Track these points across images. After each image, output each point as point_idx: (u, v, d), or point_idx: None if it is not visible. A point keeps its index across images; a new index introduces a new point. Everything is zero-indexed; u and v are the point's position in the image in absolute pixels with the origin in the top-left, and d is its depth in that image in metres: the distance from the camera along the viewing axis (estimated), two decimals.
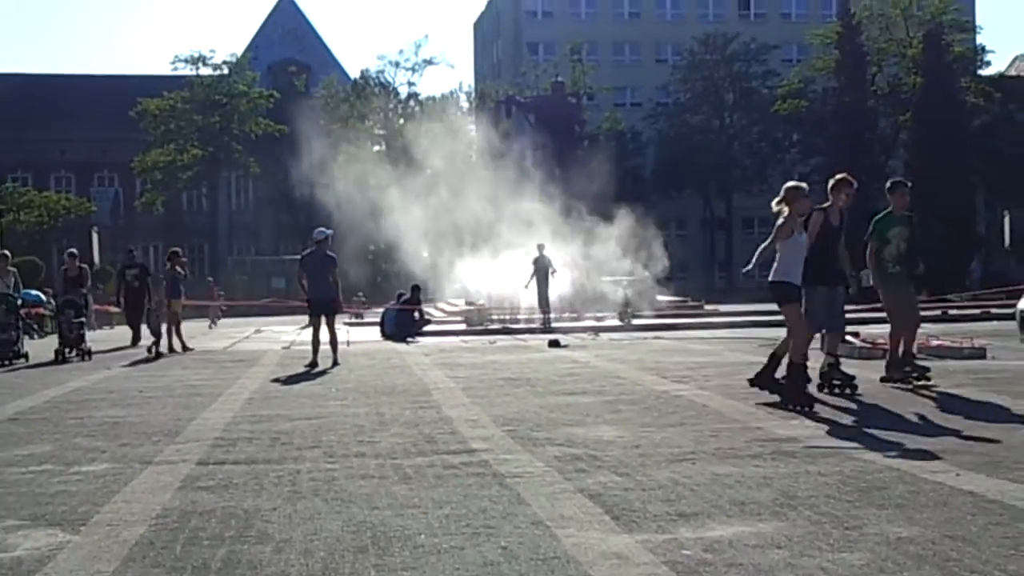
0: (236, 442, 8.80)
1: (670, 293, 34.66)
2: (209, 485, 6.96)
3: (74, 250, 22.31)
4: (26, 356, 18.61)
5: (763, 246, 10.70)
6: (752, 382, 11.00)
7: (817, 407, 10.07)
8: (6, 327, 18.49)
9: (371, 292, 42.07)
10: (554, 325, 27.10)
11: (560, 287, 29.55)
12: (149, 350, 20.03)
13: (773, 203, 10.61)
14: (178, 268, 21.50)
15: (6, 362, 18.09)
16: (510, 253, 31.46)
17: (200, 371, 16.36)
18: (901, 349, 12.26)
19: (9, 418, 10.88)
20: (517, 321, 28.56)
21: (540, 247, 29.07)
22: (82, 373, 16.29)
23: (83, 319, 19.98)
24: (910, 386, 11.68)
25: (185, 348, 20.75)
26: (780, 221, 10.41)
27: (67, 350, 18.94)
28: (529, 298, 28.82)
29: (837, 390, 11.23)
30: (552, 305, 28.77)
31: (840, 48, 62.04)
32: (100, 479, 7.29)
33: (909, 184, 12.73)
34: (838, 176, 11.72)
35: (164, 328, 20.74)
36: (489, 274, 31.56)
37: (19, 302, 19.66)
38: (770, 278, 10.71)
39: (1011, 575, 4.59)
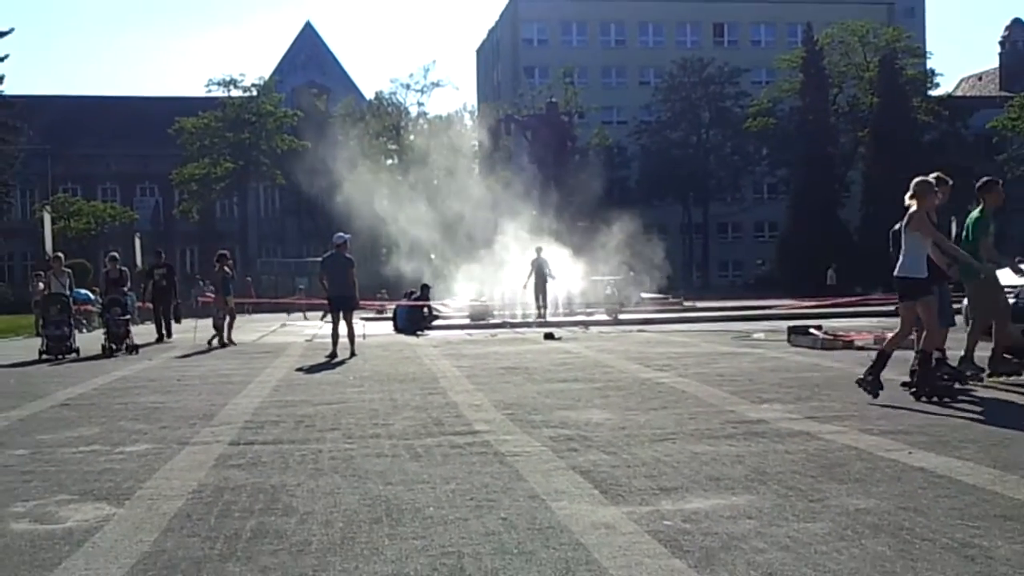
0: (264, 425, 8.79)
1: (657, 291, 34.70)
2: (240, 463, 6.96)
3: (115, 254, 21.54)
4: (77, 351, 17.94)
5: (943, 246, 9.79)
6: (916, 396, 9.32)
7: (784, 394, 10.06)
8: (60, 324, 17.98)
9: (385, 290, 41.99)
10: (549, 319, 27.08)
11: (554, 286, 29.56)
12: (210, 343, 19.83)
13: (906, 198, 9.55)
14: (226, 269, 21.36)
15: (60, 356, 17.53)
16: (509, 255, 31.47)
17: (231, 361, 16.35)
18: (948, 347, 10.77)
19: (61, 403, 10.87)
20: (516, 316, 28.56)
21: (538, 250, 29.10)
22: (126, 364, 16.27)
23: (129, 316, 19.47)
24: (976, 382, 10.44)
25: (223, 343, 20.62)
26: (914, 213, 9.36)
27: (114, 345, 18.42)
28: (527, 295, 28.83)
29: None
30: (547, 301, 28.80)
31: (804, 71, 62.21)
32: (142, 458, 7.29)
33: (1001, 182, 11.42)
34: (934, 174, 10.48)
35: (226, 323, 20.59)
36: (491, 274, 31.57)
37: (72, 300, 19.20)
38: (896, 273, 9.67)
39: (957, 542, 4.60)
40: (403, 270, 37.15)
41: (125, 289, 20.25)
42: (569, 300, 30.60)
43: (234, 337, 20.58)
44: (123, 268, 20.78)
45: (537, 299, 28.48)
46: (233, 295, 21.57)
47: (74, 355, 17.76)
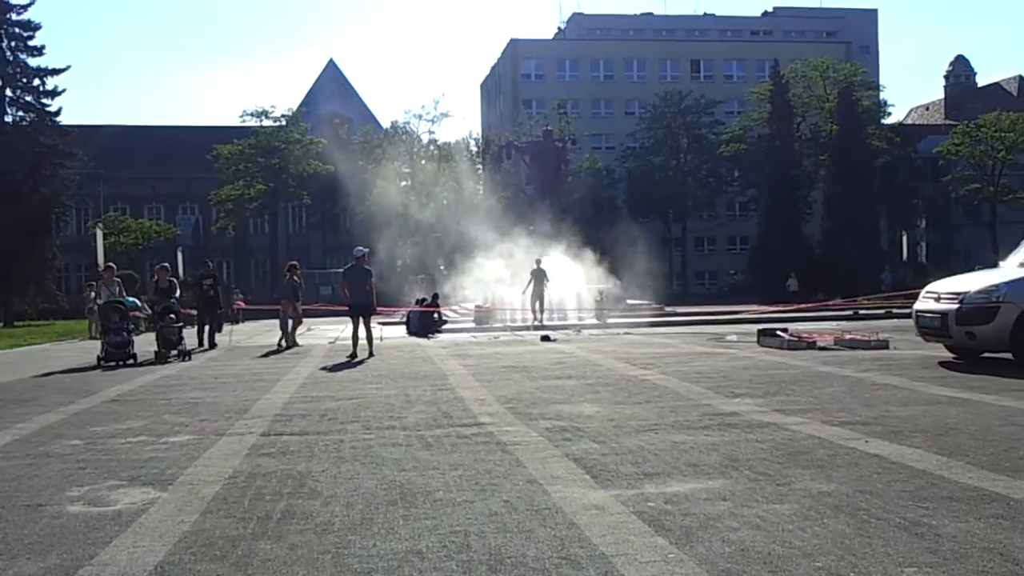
0: (292, 417, 8.78)
1: (638, 298, 34.65)
2: (271, 452, 6.95)
3: (166, 264, 20.06)
4: (135, 358, 16.29)
5: None
6: None
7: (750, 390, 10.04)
8: (120, 330, 16.41)
9: (398, 298, 41.90)
10: (545, 323, 27.05)
11: (551, 293, 29.52)
12: (279, 344, 19.45)
13: None
14: (295, 278, 21.02)
15: (120, 363, 15.99)
16: (510, 266, 31.44)
17: (263, 361, 16.33)
18: None
19: (111, 399, 10.87)
20: (516, 320, 28.53)
21: (537, 261, 29.06)
22: (172, 365, 16.21)
23: (182, 324, 17.92)
24: None
25: (291, 344, 20.05)
26: None
27: (167, 352, 16.99)
28: (526, 301, 28.79)
29: None
30: (544, 307, 28.77)
31: (772, 103, 62.22)
32: (184, 448, 7.28)
33: None
34: None
35: (291, 325, 20.22)
36: (494, 283, 31.53)
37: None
38: None
39: (909, 521, 4.59)
40: (415, 279, 37.16)
41: (173, 298, 18.49)
42: (562, 305, 30.54)
43: (271, 340, 20.30)
44: (172, 279, 19.23)
45: (534, 305, 28.45)
46: (300, 302, 21.17)
47: (132, 361, 16.18)
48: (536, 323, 27.26)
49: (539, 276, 28.54)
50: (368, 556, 4.26)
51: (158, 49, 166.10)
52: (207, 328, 20.88)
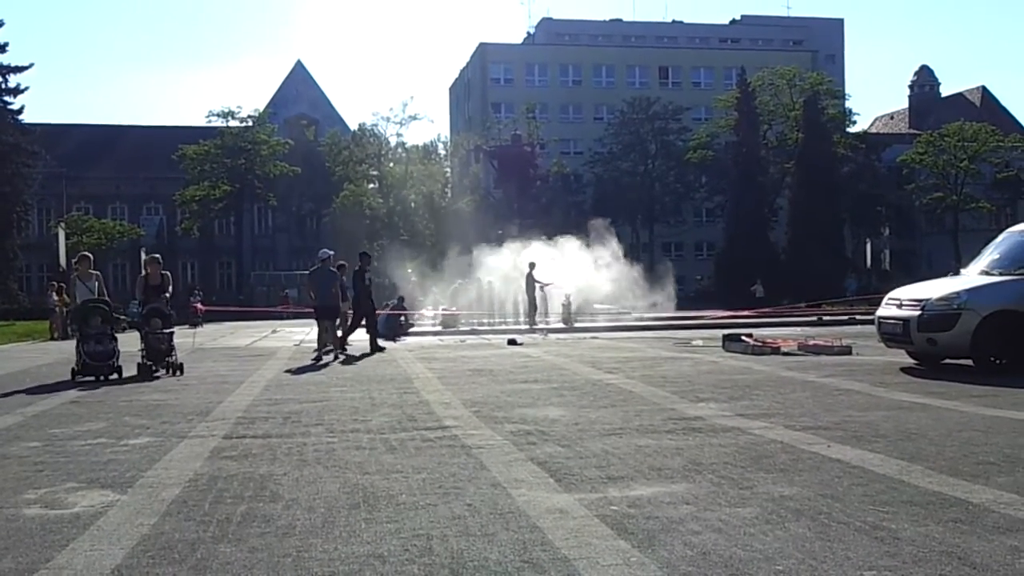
0: (255, 420, 8.71)
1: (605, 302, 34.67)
2: (232, 455, 6.89)
3: (158, 256, 15.37)
4: (120, 371, 13.31)
5: None
6: None
7: (718, 395, 10.09)
8: (102, 337, 13.37)
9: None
10: (535, 326, 26.79)
11: (547, 293, 29.21)
12: (343, 347, 18.41)
13: None
14: (344, 279, 20.42)
15: (101, 377, 13.06)
16: (478, 268, 31.40)
17: (227, 363, 16.18)
18: None
19: (71, 401, 10.72)
20: (483, 324, 28.46)
21: (531, 265, 28.67)
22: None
23: (173, 330, 14.18)
24: None
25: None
26: None
27: (155, 365, 13.70)
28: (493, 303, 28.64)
29: None
30: (537, 309, 28.51)
31: (739, 110, 62.70)
32: (144, 450, 7.20)
33: None
34: None
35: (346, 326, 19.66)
36: (459, 286, 31.46)
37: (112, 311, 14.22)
38: None
39: (869, 525, 4.64)
40: (383, 283, 36.97)
41: (166, 296, 14.67)
42: (533, 308, 30.45)
43: (235, 342, 20.05)
44: (165, 272, 14.93)
45: (529, 308, 28.14)
46: (349, 302, 20.22)
47: (116, 376, 13.20)
48: (530, 326, 26.96)
49: (532, 280, 28.26)
50: (329, 560, 4.23)
51: (125, 49, 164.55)
52: (367, 328, 18.69)
